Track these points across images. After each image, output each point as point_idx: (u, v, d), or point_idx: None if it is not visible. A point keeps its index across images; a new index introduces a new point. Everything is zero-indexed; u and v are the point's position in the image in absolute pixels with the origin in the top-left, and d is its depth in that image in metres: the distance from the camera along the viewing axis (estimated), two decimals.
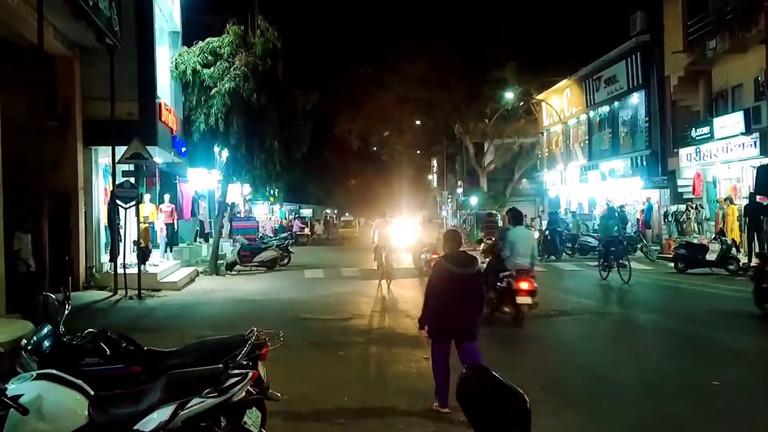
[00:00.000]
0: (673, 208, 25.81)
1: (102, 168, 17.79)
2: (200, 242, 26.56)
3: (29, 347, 5.18)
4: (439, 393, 6.67)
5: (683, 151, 24.86)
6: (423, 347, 8.97)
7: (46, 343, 5.17)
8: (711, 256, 18.29)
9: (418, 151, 61.78)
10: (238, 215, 31.71)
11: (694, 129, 23.85)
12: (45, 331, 5.32)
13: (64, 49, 15.39)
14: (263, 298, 15.63)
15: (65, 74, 15.89)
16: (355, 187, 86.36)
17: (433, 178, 72.60)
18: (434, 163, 69.53)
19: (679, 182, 26.21)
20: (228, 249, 24.81)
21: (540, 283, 11.13)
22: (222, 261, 22.14)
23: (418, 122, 48.35)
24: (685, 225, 24.13)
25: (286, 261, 24.02)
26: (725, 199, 21.88)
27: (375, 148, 49.87)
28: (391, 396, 7.40)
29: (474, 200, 46.63)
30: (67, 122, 15.85)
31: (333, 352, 9.58)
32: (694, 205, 24.51)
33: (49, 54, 14.40)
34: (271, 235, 32.58)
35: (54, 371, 4.17)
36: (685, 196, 25.79)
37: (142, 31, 17.21)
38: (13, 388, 3.87)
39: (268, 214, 48.05)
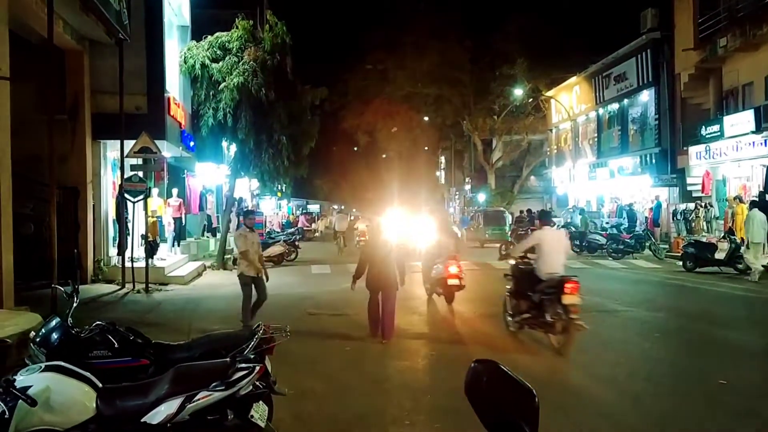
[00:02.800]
0: (682, 206, 25.70)
1: (110, 162, 17.85)
2: (208, 237, 26.62)
3: (38, 339, 5.21)
4: (372, 328, 10.11)
5: (693, 149, 24.74)
6: (429, 343, 8.96)
7: (55, 336, 5.19)
8: (720, 255, 18.20)
9: (426, 148, 61.70)
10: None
11: (704, 127, 23.73)
12: (53, 323, 5.34)
13: (74, 43, 15.43)
14: (270, 293, 15.49)
15: (75, 68, 15.95)
16: (362, 182, 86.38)
17: (440, 174, 72.50)
18: (442, 159, 69.43)
19: (689, 180, 26.10)
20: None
21: None
22: (229, 255, 22.14)
23: (426, 118, 48.25)
24: (693, 223, 24.02)
25: (293, 256, 24.06)
26: (734, 198, 21.75)
27: (382, 144, 49.70)
28: (397, 391, 7.40)
29: (482, 197, 46.57)
30: (76, 116, 15.91)
31: (340, 347, 9.58)
32: (703, 204, 24.39)
33: (59, 47, 14.46)
34: (278, 230, 32.64)
35: (62, 363, 4.19)
36: (694, 195, 25.68)
37: (151, 25, 17.22)
38: (21, 379, 3.89)
39: (276, 209, 48.01)
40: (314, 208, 71.22)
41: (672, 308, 13.31)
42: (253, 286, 10.95)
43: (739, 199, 21.44)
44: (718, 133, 22.52)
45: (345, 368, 8.47)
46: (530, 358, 8.81)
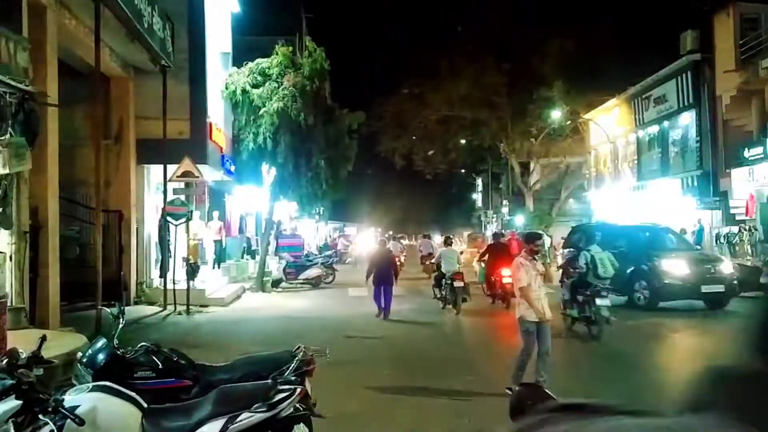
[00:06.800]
0: (726, 229, 25.21)
1: (154, 185, 18.20)
2: (247, 259, 26.86)
3: (84, 360, 5.30)
4: (378, 309, 15.11)
5: (736, 172, 24.28)
6: (468, 368, 8.90)
7: (101, 356, 5.28)
8: (765, 279, 17.77)
9: (463, 170, 61.51)
10: (284, 232, 32.03)
11: (746, 149, 23.31)
12: (99, 344, 5.43)
13: (120, 70, 15.85)
14: (308, 316, 15.72)
15: (120, 94, 16.37)
16: (398, 205, 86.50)
17: (477, 197, 72.24)
18: (479, 181, 69.19)
19: (732, 203, 25.58)
20: (274, 266, 25.06)
21: None
22: (268, 278, 22.36)
23: (462, 141, 48.17)
24: (737, 247, 23.52)
25: (330, 279, 24.15)
26: None
27: (419, 167, 49.72)
28: (436, 416, 7.37)
29: (519, 220, 46.23)
30: (120, 141, 16.29)
31: (378, 370, 9.57)
32: (747, 227, 23.88)
33: (105, 75, 14.88)
34: (316, 252, 32.81)
35: (109, 383, 4.26)
36: (737, 218, 25.17)
37: (193, 52, 17.61)
38: (69, 399, 3.96)
39: (314, 232, 48.18)
40: (351, 230, 71.35)
41: (715, 330, 12.98)
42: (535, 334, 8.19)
43: None
44: (762, 156, 22.09)
45: (384, 391, 8.45)
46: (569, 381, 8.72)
